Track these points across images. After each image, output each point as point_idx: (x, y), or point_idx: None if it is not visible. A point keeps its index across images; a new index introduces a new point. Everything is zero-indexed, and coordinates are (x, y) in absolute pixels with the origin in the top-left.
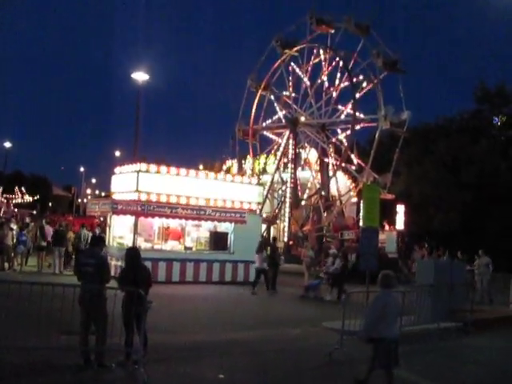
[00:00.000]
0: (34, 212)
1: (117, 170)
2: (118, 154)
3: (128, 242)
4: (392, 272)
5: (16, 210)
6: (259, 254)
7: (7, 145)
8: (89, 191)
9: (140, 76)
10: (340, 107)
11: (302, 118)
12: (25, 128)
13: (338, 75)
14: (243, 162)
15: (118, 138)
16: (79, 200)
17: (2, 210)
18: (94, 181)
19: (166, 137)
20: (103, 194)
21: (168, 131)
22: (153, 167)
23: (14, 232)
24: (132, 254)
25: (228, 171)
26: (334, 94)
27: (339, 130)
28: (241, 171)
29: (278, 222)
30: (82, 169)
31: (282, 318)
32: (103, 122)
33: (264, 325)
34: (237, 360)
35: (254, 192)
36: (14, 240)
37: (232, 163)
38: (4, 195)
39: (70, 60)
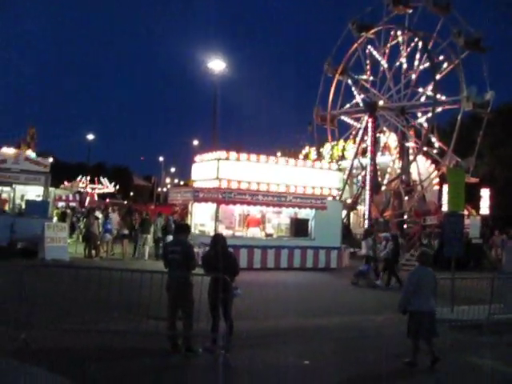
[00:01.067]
0: (119, 202)
1: (197, 158)
2: (195, 142)
3: (209, 229)
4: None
5: (105, 200)
6: (365, 241)
7: (90, 137)
8: (168, 180)
9: (216, 65)
10: (420, 89)
11: (381, 102)
12: (106, 120)
13: (417, 56)
14: (321, 148)
15: (196, 127)
16: (159, 189)
17: (88, 199)
18: (173, 170)
19: (243, 125)
20: (182, 182)
21: (245, 119)
22: (233, 155)
23: (100, 221)
24: (219, 240)
25: (306, 158)
26: (413, 76)
27: (419, 113)
28: (319, 158)
29: (357, 207)
30: (161, 158)
31: (362, 305)
32: (181, 112)
33: (346, 311)
34: (321, 346)
35: (334, 178)
36: (100, 228)
37: (310, 150)
38: (88, 185)
39: (147, 52)
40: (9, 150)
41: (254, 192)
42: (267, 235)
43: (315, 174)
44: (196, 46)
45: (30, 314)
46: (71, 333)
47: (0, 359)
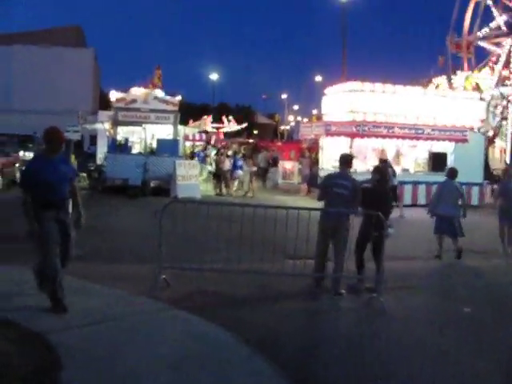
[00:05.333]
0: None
1: (327, 90)
2: (319, 79)
3: None
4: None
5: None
6: None
7: (213, 77)
8: (291, 118)
9: None
10: None
11: None
12: (228, 60)
13: None
14: (453, 78)
15: (319, 64)
16: (282, 127)
17: (214, 138)
18: (296, 107)
19: (370, 57)
20: (305, 119)
21: (372, 52)
22: (367, 85)
23: (231, 158)
24: (383, 172)
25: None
26: None
27: None
28: (451, 89)
29: (496, 141)
30: (284, 96)
31: None
32: (304, 48)
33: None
34: (477, 292)
35: (475, 108)
36: (230, 166)
37: (441, 81)
38: (213, 125)
39: None
40: (138, 90)
41: (389, 124)
42: (404, 170)
43: (454, 104)
44: None
45: (169, 253)
46: (211, 272)
47: (144, 299)
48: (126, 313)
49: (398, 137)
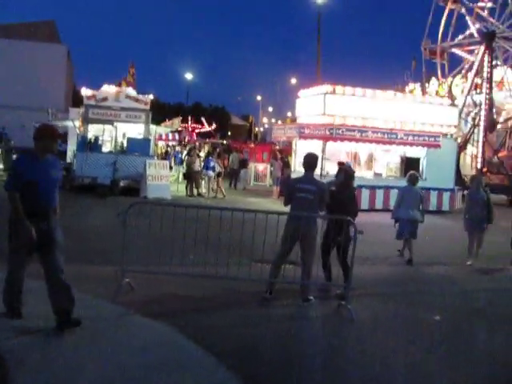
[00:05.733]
0: (217, 141)
1: (301, 93)
2: (294, 81)
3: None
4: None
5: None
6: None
7: (188, 76)
8: (265, 120)
9: None
10: None
11: (499, 31)
12: (203, 60)
13: None
14: (426, 85)
15: (294, 66)
16: (256, 128)
17: (186, 138)
18: (270, 109)
19: (343, 61)
20: (279, 121)
21: (344, 55)
22: (340, 88)
23: (201, 159)
24: (347, 174)
25: None
26: None
27: None
28: (424, 95)
29: (467, 147)
30: (258, 98)
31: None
32: (278, 50)
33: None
34: (450, 300)
35: (448, 114)
36: (201, 166)
37: (414, 86)
38: (186, 125)
39: None
40: (110, 88)
41: (363, 128)
42: (376, 175)
43: (427, 110)
44: None
45: (134, 256)
46: (176, 276)
47: (106, 304)
48: (86, 318)
49: (371, 141)
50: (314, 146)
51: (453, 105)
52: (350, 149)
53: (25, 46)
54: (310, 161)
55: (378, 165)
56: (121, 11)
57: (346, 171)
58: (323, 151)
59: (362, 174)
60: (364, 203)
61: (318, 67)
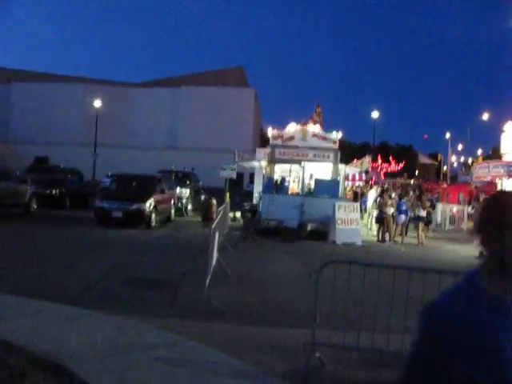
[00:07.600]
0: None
1: (508, 126)
2: (485, 116)
3: None
4: None
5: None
6: None
7: (375, 115)
8: (454, 158)
9: None
10: None
11: None
12: (388, 98)
13: None
14: None
15: (484, 102)
16: (445, 167)
17: (373, 177)
18: (460, 147)
19: None
20: (470, 160)
21: None
22: None
23: (394, 201)
24: None
25: None
26: None
27: None
28: None
29: None
30: (447, 135)
31: None
32: (465, 85)
33: None
34: None
35: None
36: (393, 209)
37: None
38: (375, 163)
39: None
40: (296, 127)
41: None
42: None
43: None
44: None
45: (325, 323)
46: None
47: None
48: None
49: None
50: None
51: None
52: None
53: (216, 92)
54: None
55: None
56: (303, 54)
57: None
58: None
59: None
60: None
61: None
